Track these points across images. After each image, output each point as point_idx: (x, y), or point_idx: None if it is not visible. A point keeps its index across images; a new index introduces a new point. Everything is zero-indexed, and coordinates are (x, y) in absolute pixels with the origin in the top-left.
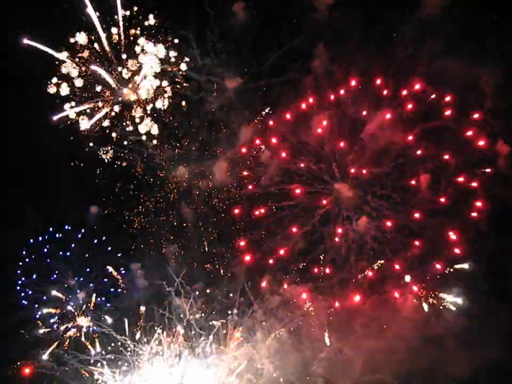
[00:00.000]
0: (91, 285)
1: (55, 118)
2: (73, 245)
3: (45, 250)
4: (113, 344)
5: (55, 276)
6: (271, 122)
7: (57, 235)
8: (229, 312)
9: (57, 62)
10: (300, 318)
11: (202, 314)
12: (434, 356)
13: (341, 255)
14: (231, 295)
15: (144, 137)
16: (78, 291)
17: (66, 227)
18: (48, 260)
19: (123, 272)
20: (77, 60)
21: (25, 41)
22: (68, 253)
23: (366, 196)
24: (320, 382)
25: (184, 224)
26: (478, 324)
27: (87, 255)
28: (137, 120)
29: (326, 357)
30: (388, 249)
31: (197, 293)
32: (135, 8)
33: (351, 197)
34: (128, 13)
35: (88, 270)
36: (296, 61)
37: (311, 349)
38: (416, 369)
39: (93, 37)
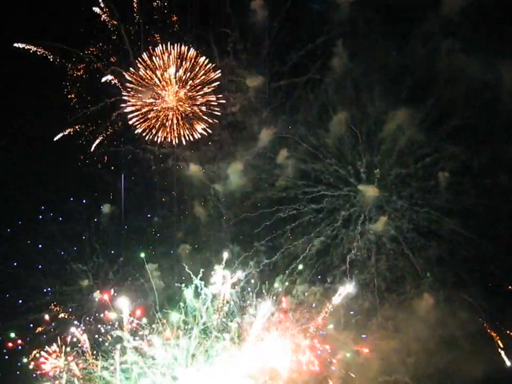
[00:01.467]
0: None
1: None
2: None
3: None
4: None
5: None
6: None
7: None
8: (245, 312)
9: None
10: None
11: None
12: (451, 357)
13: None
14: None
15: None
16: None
17: None
18: None
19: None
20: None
21: None
22: None
23: (391, 197)
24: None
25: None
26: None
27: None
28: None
29: (342, 357)
30: (407, 249)
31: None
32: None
33: (375, 198)
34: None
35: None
36: (316, 60)
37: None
38: (433, 370)
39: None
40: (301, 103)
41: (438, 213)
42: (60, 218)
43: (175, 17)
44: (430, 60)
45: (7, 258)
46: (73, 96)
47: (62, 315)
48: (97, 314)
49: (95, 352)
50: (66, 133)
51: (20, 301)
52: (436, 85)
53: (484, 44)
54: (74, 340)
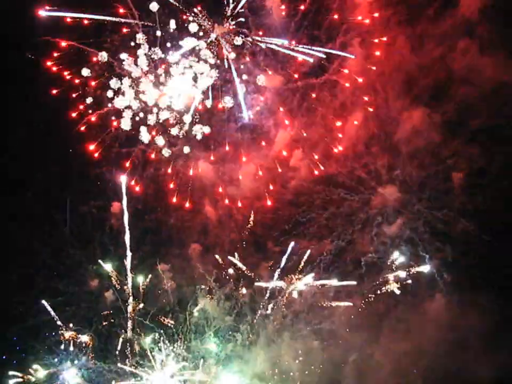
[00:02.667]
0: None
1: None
2: None
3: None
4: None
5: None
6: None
7: None
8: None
9: None
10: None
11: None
12: (463, 358)
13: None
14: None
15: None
16: None
17: None
18: None
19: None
20: None
21: None
22: None
23: (411, 199)
24: None
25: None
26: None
27: None
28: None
29: (354, 360)
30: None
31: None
32: None
33: (395, 200)
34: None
35: None
36: (333, 61)
37: (339, 352)
38: (446, 373)
39: None
40: (318, 104)
41: (455, 214)
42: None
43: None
44: (448, 60)
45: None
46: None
47: None
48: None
49: None
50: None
51: None
52: (455, 86)
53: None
54: None
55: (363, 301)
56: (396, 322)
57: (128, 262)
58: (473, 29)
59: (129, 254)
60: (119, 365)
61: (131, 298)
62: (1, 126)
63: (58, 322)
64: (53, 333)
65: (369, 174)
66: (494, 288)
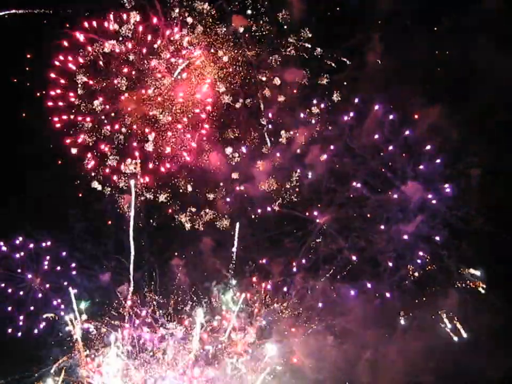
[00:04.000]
0: None
1: None
2: None
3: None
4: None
5: None
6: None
7: None
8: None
9: None
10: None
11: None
12: (477, 358)
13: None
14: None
15: None
16: None
17: None
18: None
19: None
20: None
21: None
22: None
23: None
24: None
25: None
26: None
27: None
28: None
29: (368, 358)
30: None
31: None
32: None
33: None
34: None
35: None
36: (353, 57)
37: (353, 350)
38: (460, 372)
39: None
40: (339, 101)
41: (474, 212)
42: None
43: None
44: (469, 56)
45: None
46: None
47: None
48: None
49: None
50: None
51: None
52: (475, 82)
53: None
54: None
55: (380, 299)
56: (412, 320)
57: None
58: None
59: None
60: None
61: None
62: None
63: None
64: None
65: (389, 171)
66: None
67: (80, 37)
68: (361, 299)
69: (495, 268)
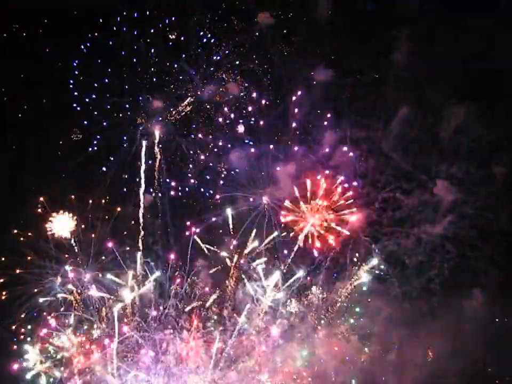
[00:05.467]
0: None
1: None
2: None
3: None
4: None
5: None
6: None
7: None
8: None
9: None
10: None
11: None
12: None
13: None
14: None
15: None
16: None
17: None
18: None
19: None
20: None
21: None
22: None
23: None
24: None
25: None
26: None
27: None
28: None
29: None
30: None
31: None
32: None
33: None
34: None
35: None
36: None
37: (374, 351)
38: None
39: None
40: (365, 102)
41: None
42: None
43: None
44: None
45: None
46: None
47: None
48: None
49: None
50: None
51: None
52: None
53: None
54: None
55: (405, 300)
56: (438, 321)
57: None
58: None
59: None
60: None
61: None
62: None
63: None
64: None
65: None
66: None
67: None
68: (388, 300)
69: None
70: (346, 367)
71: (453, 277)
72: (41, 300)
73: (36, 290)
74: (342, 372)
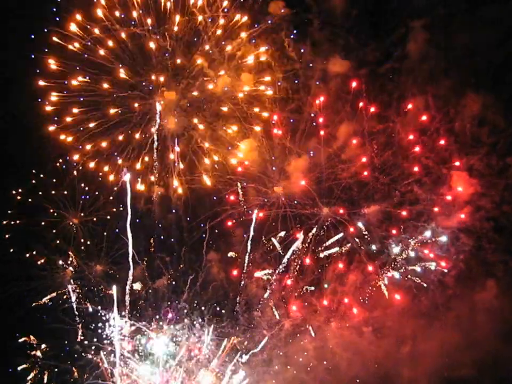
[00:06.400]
0: None
1: None
2: None
3: None
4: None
5: None
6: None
7: None
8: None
9: None
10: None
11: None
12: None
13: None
14: None
15: None
16: None
17: None
18: None
19: None
20: None
21: None
22: None
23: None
24: None
25: None
26: None
27: None
28: None
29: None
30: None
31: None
32: None
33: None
34: None
35: None
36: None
37: (388, 344)
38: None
39: None
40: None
41: None
42: None
43: None
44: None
45: None
46: None
47: None
48: None
49: None
50: None
51: None
52: None
53: None
54: None
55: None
56: (451, 313)
57: None
58: None
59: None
60: None
61: None
62: None
63: None
64: None
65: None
66: None
67: None
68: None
69: None
70: (359, 359)
71: (468, 268)
72: None
73: None
74: (355, 365)
